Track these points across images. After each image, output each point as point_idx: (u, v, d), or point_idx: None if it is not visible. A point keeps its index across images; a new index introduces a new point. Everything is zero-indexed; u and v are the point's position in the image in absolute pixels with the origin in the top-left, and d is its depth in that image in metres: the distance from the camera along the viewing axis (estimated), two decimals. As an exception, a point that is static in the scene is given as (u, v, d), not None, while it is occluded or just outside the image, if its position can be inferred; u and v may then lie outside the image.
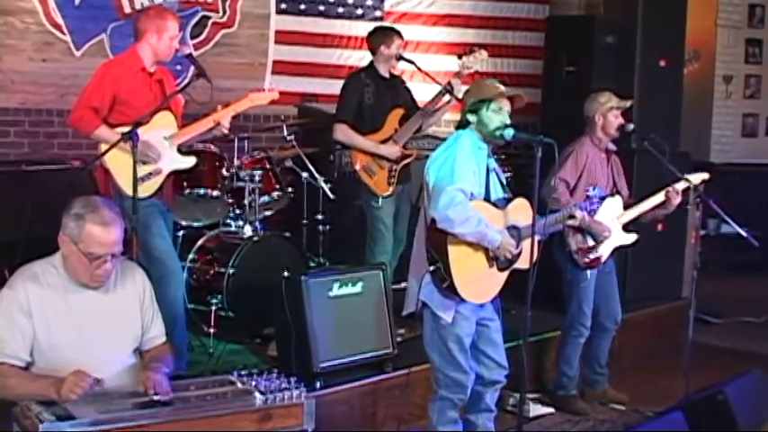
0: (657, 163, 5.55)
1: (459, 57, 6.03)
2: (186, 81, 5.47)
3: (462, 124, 4.47)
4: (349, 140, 6.06)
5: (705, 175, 5.61)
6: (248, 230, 6.15)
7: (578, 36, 7.46)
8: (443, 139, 4.63)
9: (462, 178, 4.20)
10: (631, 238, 5.66)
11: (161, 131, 5.02)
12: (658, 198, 5.57)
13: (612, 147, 5.74)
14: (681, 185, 5.54)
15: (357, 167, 6.03)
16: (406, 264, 4.72)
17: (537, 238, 4.28)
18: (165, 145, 5.03)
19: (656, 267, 7.34)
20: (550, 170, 5.02)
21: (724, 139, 11.03)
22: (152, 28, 5.04)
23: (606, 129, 5.61)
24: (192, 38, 7.85)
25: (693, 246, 5.91)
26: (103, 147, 4.79)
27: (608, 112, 5.59)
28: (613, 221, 5.55)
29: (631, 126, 5.70)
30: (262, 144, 7.58)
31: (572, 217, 4.81)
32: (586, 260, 5.51)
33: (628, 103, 5.68)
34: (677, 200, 5.53)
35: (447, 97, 5.94)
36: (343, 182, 7.02)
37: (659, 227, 7.08)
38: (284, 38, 8.31)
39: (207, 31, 7.96)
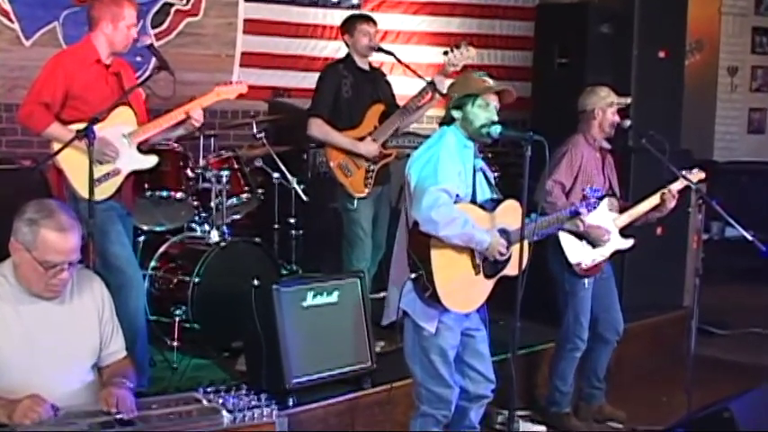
0: (656, 162, 5.59)
1: (446, 52, 6.07)
2: (147, 74, 5.46)
3: (446, 121, 4.51)
4: (324, 136, 6.09)
5: (701, 174, 5.67)
6: (215, 235, 6.17)
7: (571, 25, 7.50)
8: (426, 137, 4.66)
9: (447, 178, 4.24)
10: (628, 242, 5.72)
11: (119, 128, 5.03)
12: (653, 200, 5.64)
13: (607, 145, 5.79)
14: (677, 186, 5.60)
15: (332, 165, 6.06)
16: (385, 271, 4.75)
17: (528, 239, 4.33)
18: (124, 143, 5.04)
19: (656, 274, 7.37)
20: (542, 172, 5.06)
21: (729, 135, 11.08)
22: (107, 16, 5.04)
23: (603, 125, 5.66)
24: (153, 27, 7.84)
25: (695, 251, 5.96)
26: (56, 145, 4.79)
27: (608, 107, 5.64)
28: (611, 224, 5.61)
29: (628, 122, 5.74)
30: (229, 142, 7.59)
31: (572, 219, 4.85)
32: (584, 267, 5.56)
33: (628, 100, 5.74)
34: (672, 203, 5.61)
35: (430, 95, 6.00)
36: (318, 182, 7.07)
37: (658, 230, 7.14)
38: (254, 27, 8.32)
39: (169, 19, 7.95)
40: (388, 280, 4.55)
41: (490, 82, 4.53)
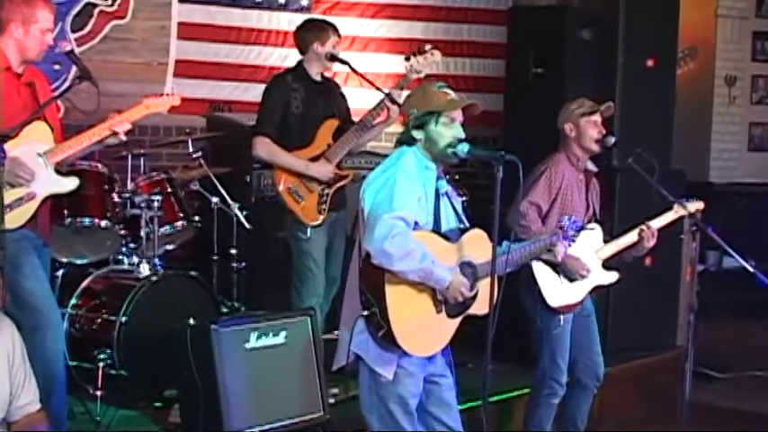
0: (644, 185, 5.62)
1: (407, 58, 6.11)
2: (66, 84, 5.47)
3: (406, 140, 4.50)
4: (271, 157, 6.11)
5: (700, 204, 5.71)
6: (145, 269, 6.15)
7: (548, 30, 7.53)
8: (385, 156, 4.67)
9: (403, 205, 4.24)
10: (612, 277, 5.76)
11: (34, 147, 5.00)
12: (630, 237, 5.68)
13: (593, 167, 5.83)
14: (665, 220, 5.65)
15: (280, 190, 6.08)
16: (339, 308, 4.76)
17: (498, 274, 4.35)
18: (40, 163, 5.02)
19: (645, 310, 7.44)
20: (517, 192, 5.09)
21: (726, 154, 11.17)
22: (17, 18, 5.01)
23: (582, 141, 5.68)
24: (74, 31, 7.81)
25: (689, 283, 5.98)
26: (-41, 167, 4.77)
27: (579, 119, 5.66)
28: (592, 256, 5.65)
29: (612, 139, 5.77)
30: (162, 162, 7.58)
31: (550, 251, 4.88)
32: (559, 305, 5.60)
33: (604, 107, 5.73)
34: (651, 242, 5.64)
35: (387, 110, 6.04)
36: (263, 208, 7.06)
37: (647, 261, 7.17)
38: (189, 31, 8.31)
39: (92, 22, 7.93)
40: (340, 319, 4.56)
41: (452, 94, 4.54)
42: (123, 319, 5.80)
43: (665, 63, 7.79)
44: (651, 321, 7.54)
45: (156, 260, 6.27)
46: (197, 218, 6.75)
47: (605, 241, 5.72)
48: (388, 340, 4.27)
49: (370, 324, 4.31)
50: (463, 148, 4.41)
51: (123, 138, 5.19)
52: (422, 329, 4.36)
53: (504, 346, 4.52)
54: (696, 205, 5.68)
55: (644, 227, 5.62)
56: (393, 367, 4.36)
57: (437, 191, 4.51)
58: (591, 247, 5.65)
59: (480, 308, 4.44)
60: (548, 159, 5.71)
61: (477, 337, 4.42)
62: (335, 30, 6.28)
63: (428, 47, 6.14)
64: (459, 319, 4.48)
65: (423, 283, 4.29)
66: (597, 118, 5.69)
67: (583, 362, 5.83)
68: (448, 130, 4.45)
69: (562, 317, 5.62)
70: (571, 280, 5.58)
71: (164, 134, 7.87)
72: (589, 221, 5.73)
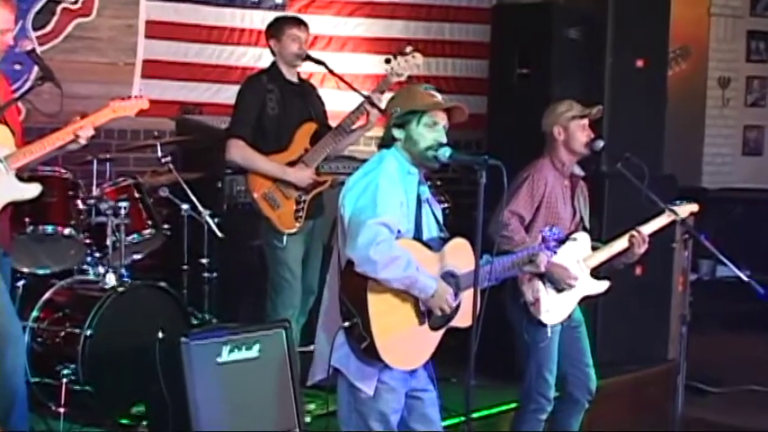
0: (634, 190, 5.66)
1: (387, 60, 6.14)
2: (28, 86, 5.45)
3: (387, 142, 4.52)
4: (246, 161, 6.11)
5: (694, 207, 5.74)
6: (111, 279, 6.13)
7: (533, 29, 7.55)
8: (365, 161, 4.68)
9: (387, 210, 4.25)
10: (602, 285, 5.78)
11: (-6, 151, 5.00)
12: (620, 244, 5.70)
13: (580, 172, 5.85)
14: (655, 226, 5.67)
15: (255, 196, 6.08)
16: (316, 320, 4.75)
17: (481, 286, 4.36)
18: (0, 169, 5.01)
19: (635, 322, 7.47)
20: (499, 201, 5.10)
21: (720, 158, 11.23)
22: (-26, 18, 5.02)
23: (570, 145, 5.70)
24: (36, 29, 7.80)
25: (682, 294, 6.03)
26: None
27: (569, 122, 5.68)
28: (579, 265, 5.67)
29: (601, 143, 5.79)
30: (129, 168, 7.58)
31: (532, 261, 4.88)
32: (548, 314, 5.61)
33: (594, 110, 5.75)
34: (642, 248, 5.65)
35: (367, 114, 6.06)
36: (236, 216, 7.06)
37: (638, 270, 7.20)
38: (158, 30, 8.31)
39: (55, 20, 7.92)
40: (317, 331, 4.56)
41: (438, 96, 4.57)
42: (88, 332, 5.78)
43: (656, 63, 7.82)
44: (642, 333, 7.56)
45: (123, 270, 6.25)
46: (166, 226, 6.74)
47: (593, 249, 5.73)
48: (370, 353, 4.27)
49: (351, 336, 4.30)
50: (445, 153, 4.42)
51: (83, 142, 5.17)
52: (405, 342, 4.37)
53: (489, 360, 4.54)
54: (688, 208, 5.71)
55: (634, 233, 5.64)
56: (374, 382, 4.36)
57: (419, 197, 4.52)
58: (578, 256, 5.66)
59: (463, 320, 4.45)
60: (530, 166, 5.72)
61: (460, 351, 4.43)
62: (303, 25, 6.29)
63: (409, 49, 6.17)
64: (441, 332, 4.49)
65: (406, 292, 4.30)
66: (586, 121, 5.72)
67: (574, 375, 5.83)
68: (430, 132, 4.46)
69: (550, 328, 5.63)
70: (558, 290, 5.59)
71: (131, 138, 7.86)
72: (576, 229, 5.75)
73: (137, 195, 6.52)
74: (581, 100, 5.85)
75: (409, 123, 4.47)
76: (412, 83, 5.03)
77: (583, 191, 5.90)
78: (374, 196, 4.26)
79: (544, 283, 5.57)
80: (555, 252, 4.87)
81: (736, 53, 11.28)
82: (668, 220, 5.67)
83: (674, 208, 5.65)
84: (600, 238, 5.90)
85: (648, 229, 5.67)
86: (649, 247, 5.67)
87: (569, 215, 5.75)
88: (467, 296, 4.44)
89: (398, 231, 4.30)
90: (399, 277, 4.22)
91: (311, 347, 4.65)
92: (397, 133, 4.49)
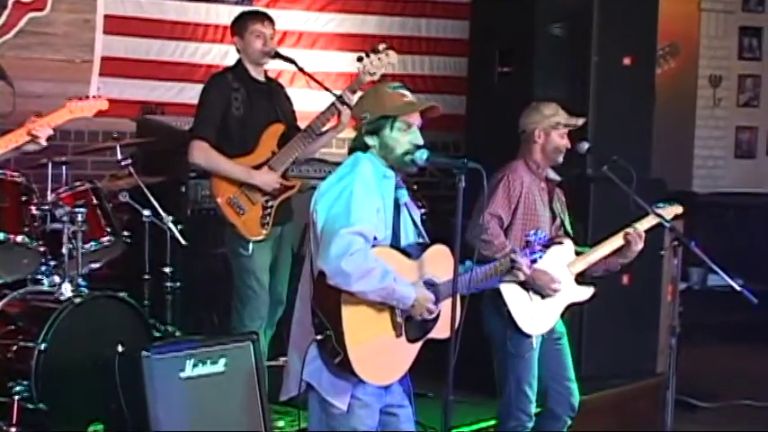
0: (621, 195, 5.68)
1: (360, 59, 6.15)
2: (-23, 85, 5.44)
3: (360, 147, 4.52)
4: (210, 164, 6.11)
5: (678, 209, 5.79)
6: (67, 290, 6.11)
7: (515, 26, 7.57)
8: (337, 164, 4.68)
9: (362, 218, 4.25)
10: (587, 292, 5.81)
11: (-58, 154, 5.00)
12: (615, 243, 5.73)
13: (555, 176, 5.87)
14: (644, 225, 5.70)
15: (219, 201, 6.08)
16: (285, 332, 4.76)
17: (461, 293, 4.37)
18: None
19: (622, 334, 7.49)
20: (477, 205, 5.12)
21: (711, 161, 11.28)
22: None
23: (547, 151, 5.74)
24: (-15, 25, 7.82)
25: (671, 304, 6.03)
26: None
27: (552, 129, 5.72)
28: (564, 271, 5.69)
29: (586, 145, 5.83)
30: (86, 171, 7.58)
31: (512, 268, 4.88)
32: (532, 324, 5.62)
33: (580, 122, 5.81)
34: (639, 245, 5.68)
35: (338, 114, 6.07)
36: (200, 222, 7.06)
37: (625, 279, 7.24)
38: (117, 25, 8.31)
39: (7, 14, 7.90)
40: (289, 344, 4.56)
41: (408, 95, 4.56)
42: (42, 346, 5.75)
43: (644, 61, 7.84)
44: (629, 346, 7.58)
45: (80, 280, 6.23)
46: (126, 233, 6.73)
47: (577, 254, 5.76)
48: (343, 367, 4.28)
49: (323, 350, 4.32)
50: (422, 156, 4.43)
51: (44, 143, 5.17)
52: (380, 355, 4.38)
53: (468, 374, 4.55)
54: (673, 210, 5.76)
55: (629, 230, 5.67)
56: (347, 397, 4.37)
57: (396, 201, 4.54)
58: (562, 261, 5.69)
59: (442, 331, 4.46)
60: (504, 167, 5.74)
61: (437, 364, 4.43)
62: (262, 19, 6.30)
63: (382, 46, 6.18)
64: (419, 344, 4.50)
65: (382, 303, 4.31)
66: (567, 129, 5.75)
67: (555, 390, 5.84)
68: (404, 136, 4.47)
69: (534, 339, 5.65)
70: (542, 297, 5.62)
71: (88, 139, 7.85)
72: (557, 233, 5.78)
73: (95, 201, 6.50)
74: (566, 100, 5.88)
75: (382, 129, 4.48)
76: (385, 81, 5.01)
77: (560, 196, 5.93)
78: (348, 203, 4.26)
79: (527, 291, 5.59)
80: (541, 256, 4.89)
81: (727, 50, 11.33)
82: (655, 221, 5.70)
83: (659, 211, 5.68)
84: (585, 243, 5.91)
85: (644, 224, 5.70)
86: (636, 256, 5.70)
87: (549, 218, 5.78)
88: (446, 306, 4.44)
89: (375, 238, 4.30)
90: (375, 289, 4.23)
91: (280, 361, 4.67)
92: (370, 140, 4.49)
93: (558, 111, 5.76)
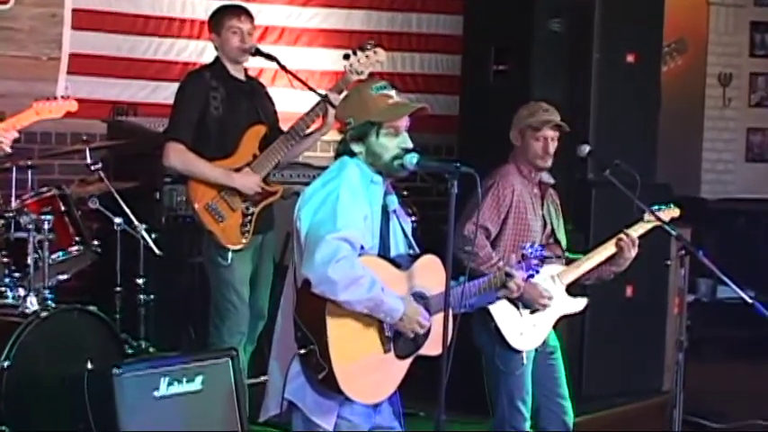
0: (624, 201, 5.68)
1: (346, 56, 6.16)
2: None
3: (348, 151, 4.48)
4: (186, 167, 6.12)
5: (675, 212, 5.81)
6: (33, 303, 6.11)
7: (511, 21, 7.56)
8: (323, 168, 4.67)
9: (348, 224, 4.25)
10: (580, 303, 5.83)
11: None
12: (607, 250, 5.74)
13: (549, 179, 5.89)
14: (638, 231, 5.71)
15: (197, 207, 6.08)
16: (267, 348, 4.76)
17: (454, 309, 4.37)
18: None
19: (626, 349, 7.50)
20: (464, 212, 5.12)
21: (721, 165, 11.25)
22: None
23: (527, 155, 5.74)
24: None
25: (677, 317, 6.05)
26: None
27: (528, 129, 5.72)
28: (554, 281, 5.70)
29: (587, 148, 5.84)
30: (53, 176, 7.56)
31: (505, 285, 4.88)
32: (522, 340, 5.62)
33: (558, 118, 5.73)
34: (632, 252, 5.69)
35: (323, 116, 6.09)
36: (176, 230, 7.07)
37: (628, 291, 7.24)
38: (86, 20, 8.31)
39: (-33, 8, 7.94)
40: (270, 360, 4.57)
41: (394, 96, 4.54)
42: (6, 363, 5.75)
43: (649, 59, 7.86)
44: (633, 362, 7.59)
45: (47, 293, 6.22)
46: (96, 242, 6.72)
47: (569, 263, 5.78)
48: (328, 384, 4.27)
49: (307, 365, 4.31)
50: (411, 160, 4.42)
51: (8, 150, 5.17)
52: (368, 372, 4.37)
53: (461, 392, 4.55)
54: (670, 213, 5.78)
55: (622, 235, 5.67)
56: (333, 417, 4.37)
57: (385, 208, 4.54)
58: (552, 271, 5.69)
59: (433, 347, 4.46)
60: (495, 172, 5.75)
61: (428, 382, 4.43)
62: (238, 14, 6.30)
63: (370, 44, 6.20)
64: (409, 361, 4.50)
65: (369, 316, 4.30)
66: (548, 132, 5.73)
67: (547, 408, 5.85)
68: (392, 141, 4.46)
69: (525, 355, 5.65)
70: (532, 311, 5.63)
71: (56, 142, 7.86)
72: (547, 241, 5.79)
73: (62, 207, 6.50)
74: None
75: (367, 136, 4.46)
76: (368, 80, 4.99)
77: (553, 199, 5.95)
78: (334, 208, 4.26)
79: (516, 304, 5.59)
80: (537, 272, 4.88)
81: (738, 47, 11.28)
82: (649, 226, 5.72)
83: (658, 214, 5.69)
84: (586, 252, 5.91)
85: (637, 230, 5.71)
86: (638, 261, 5.70)
87: (540, 226, 5.79)
88: (437, 321, 4.43)
89: (362, 247, 4.30)
90: (362, 299, 4.22)
91: (262, 379, 4.65)
92: (357, 147, 4.47)
93: (537, 110, 5.76)
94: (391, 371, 4.47)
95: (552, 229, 5.88)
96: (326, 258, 4.15)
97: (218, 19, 6.28)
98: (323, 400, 4.35)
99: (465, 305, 4.59)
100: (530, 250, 4.80)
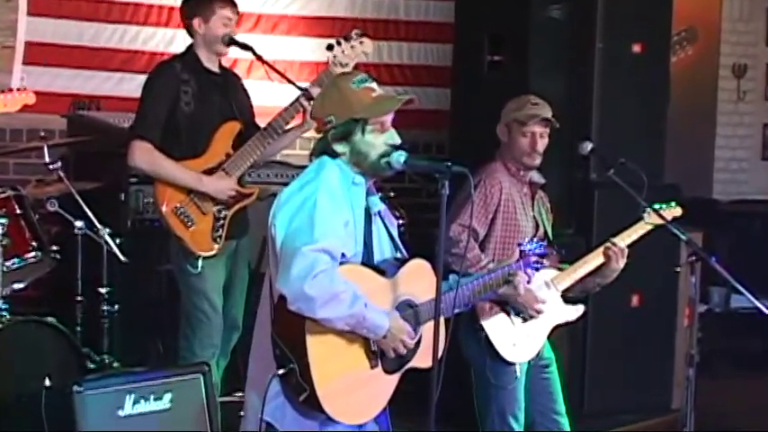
0: (629, 202, 5.71)
1: (329, 47, 6.16)
2: None
3: (329, 152, 4.46)
4: (154, 168, 6.11)
5: (677, 211, 5.82)
6: (-13, 314, 6.14)
7: (507, 7, 7.56)
8: (301, 168, 4.67)
9: (327, 232, 4.23)
10: (576, 311, 5.84)
11: None
12: (594, 260, 5.76)
13: (540, 179, 5.92)
14: (631, 237, 5.72)
15: (164, 211, 6.08)
16: (242, 363, 4.77)
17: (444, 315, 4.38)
18: None
19: (632, 364, 7.52)
20: (451, 211, 5.13)
21: (735, 164, 11.27)
22: None
23: (513, 151, 5.78)
24: None
25: (688, 329, 6.07)
26: None
27: (514, 123, 5.75)
28: (549, 287, 5.72)
29: (589, 146, 5.87)
30: (8, 176, 7.59)
31: (508, 282, 4.90)
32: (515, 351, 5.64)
33: (548, 113, 5.75)
34: (621, 262, 5.71)
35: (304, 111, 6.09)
36: (142, 235, 7.07)
37: (635, 300, 7.26)
38: (44, 6, 8.30)
39: None
40: (246, 377, 4.58)
41: (377, 89, 4.52)
42: (-42, 379, 5.78)
43: (656, 49, 7.88)
44: (639, 377, 7.60)
45: (1, 303, 6.23)
46: (55, 247, 6.71)
47: (561, 268, 5.79)
48: (310, 404, 4.28)
49: (287, 385, 4.30)
50: (399, 158, 4.41)
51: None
52: (353, 390, 4.37)
53: (453, 407, 4.55)
54: (671, 212, 5.79)
55: (609, 244, 5.69)
56: (313, 439, 4.39)
57: (368, 210, 4.53)
58: (546, 276, 5.70)
59: (423, 360, 4.47)
60: (480, 170, 5.77)
61: (418, 397, 4.43)
62: (227, 3, 6.30)
63: (356, 33, 6.20)
64: (398, 375, 4.52)
65: (353, 331, 4.30)
66: (536, 129, 5.76)
67: (542, 425, 5.87)
68: (378, 138, 4.45)
69: (518, 367, 5.67)
70: (525, 319, 5.64)
71: (11, 139, 7.86)
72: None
73: (18, 210, 6.48)
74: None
75: (351, 134, 4.44)
76: (347, 74, 4.96)
77: (543, 201, 5.99)
78: (311, 216, 4.23)
79: (507, 312, 5.61)
80: (538, 269, 4.90)
81: (753, 36, 11.27)
82: (642, 231, 5.74)
83: (661, 211, 5.72)
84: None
85: (626, 238, 5.73)
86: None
87: (531, 227, 5.82)
88: (428, 330, 4.44)
89: (343, 255, 4.30)
90: (343, 316, 4.21)
91: (236, 396, 4.66)
92: (340, 147, 4.45)
93: (524, 105, 5.79)
94: (379, 387, 4.48)
95: (545, 231, 5.90)
96: (303, 273, 4.13)
97: (208, 5, 6.21)
98: (304, 420, 4.36)
99: (460, 306, 4.61)
100: (528, 246, 4.84)
